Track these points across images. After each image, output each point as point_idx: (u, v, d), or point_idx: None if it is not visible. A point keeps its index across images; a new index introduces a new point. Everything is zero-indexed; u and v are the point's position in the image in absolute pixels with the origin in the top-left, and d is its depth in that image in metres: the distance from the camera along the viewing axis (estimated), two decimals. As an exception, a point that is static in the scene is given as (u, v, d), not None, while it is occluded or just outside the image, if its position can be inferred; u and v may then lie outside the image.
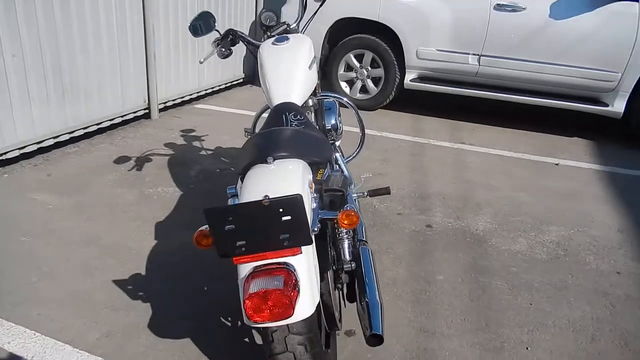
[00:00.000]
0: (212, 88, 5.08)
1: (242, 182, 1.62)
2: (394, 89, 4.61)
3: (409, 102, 4.93)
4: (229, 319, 1.96)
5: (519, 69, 4.14)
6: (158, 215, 2.71)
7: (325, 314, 1.53)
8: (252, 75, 5.69)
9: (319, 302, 1.37)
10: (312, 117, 2.19)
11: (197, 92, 4.86)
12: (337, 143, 2.38)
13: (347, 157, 2.40)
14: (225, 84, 5.29)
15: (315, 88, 2.21)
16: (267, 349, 1.33)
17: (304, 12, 2.39)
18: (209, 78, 4.96)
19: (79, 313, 1.95)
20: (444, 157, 3.73)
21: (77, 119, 3.57)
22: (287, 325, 1.28)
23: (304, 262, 1.25)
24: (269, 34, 2.28)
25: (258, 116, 2.53)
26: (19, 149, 3.21)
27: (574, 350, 1.88)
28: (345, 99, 2.41)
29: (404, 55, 4.44)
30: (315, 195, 1.47)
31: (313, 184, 1.51)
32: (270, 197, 1.30)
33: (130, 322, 1.92)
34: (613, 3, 3.78)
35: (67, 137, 3.54)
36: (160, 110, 4.36)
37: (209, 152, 3.60)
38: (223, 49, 2.17)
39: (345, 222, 1.38)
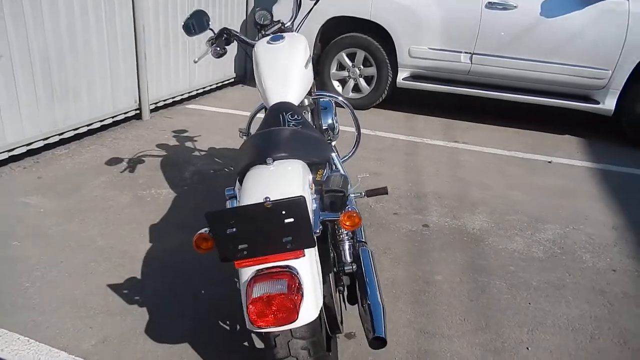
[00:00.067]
0: (204, 88, 5.03)
1: (240, 183, 1.60)
2: (387, 88, 4.61)
3: (402, 100, 4.93)
4: (228, 322, 1.94)
5: (511, 67, 4.15)
6: (152, 218, 2.67)
7: (327, 317, 1.51)
8: (243, 75, 5.65)
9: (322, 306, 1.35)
10: (308, 116, 2.17)
11: (189, 92, 4.81)
12: (333, 143, 2.37)
13: (343, 157, 2.38)
14: (217, 83, 5.25)
15: (311, 87, 2.19)
16: (269, 354, 1.31)
17: (299, 10, 2.37)
18: (200, 78, 4.91)
19: (73, 318, 1.91)
20: (438, 156, 3.73)
21: (66, 120, 3.51)
22: (290, 329, 1.26)
23: (307, 265, 1.23)
24: (263, 32, 2.25)
25: (253, 116, 2.50)
26: (8, 151, 3.15)
27: (574, 349, 1.88)
28: (340, 98, 2.40)
29: (397, 53, 4.43)
30: (315, 196, 1.46)
31: (313, 184, 1.49)
32: (272, 199, 1.28)
33: (127, 327, 1.89)
34: (603, 1, 3.81)
35: (56, 138, 3.48)
36: (152, 110, 4.31)
37: (202, 153, 3.56)
38: (218, 48, 2.15)
39: (348, 223, 1.37)
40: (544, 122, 4.59)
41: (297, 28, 2.35)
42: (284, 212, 1.15)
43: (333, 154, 2.11)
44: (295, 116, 1.68)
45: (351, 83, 4.72)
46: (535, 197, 3.12)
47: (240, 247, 1.17)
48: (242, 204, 1.30)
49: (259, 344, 1.81)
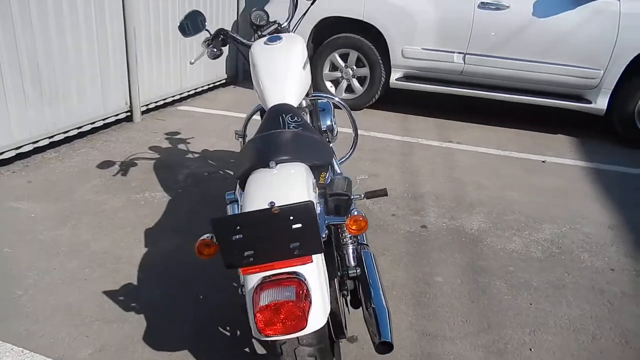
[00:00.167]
0: (195, 89, 4.98)
1: (241, 187, 1.56)
2: (380, 88, 4.59)
3: (395, 101, 4.92)
4: (228, 328, 1.90)
5: (504, 67, 4.16)
6: (147, 222, 2.63)
7: (332, 322, 1.49)
8: (234, 76, 5.61)
9: (328, 311, 1.32)
10: (307, 118, 2.14)
11: (180, 94, 4.75)
12: (331, 145, 2.34)
13: (340, 159, 2.36)
14: (208, 85, 5.20)
15: (308, 89, 2.16)
16: (274, 362, 1.28)
17: (295, 10, 2.34)
18: (191, 79, 4.86)
19: (69, 327, 1.87)
20: (433, 157, 3.72)
21: (56, 123, 3.45)
22: (297, 336, 1.23)
23: (315, 271, 1.21)
24: (259, 33, 2.22)
25: (249, 118, 2.47)
26: (-3, 155, 3.08)
27: (576, 349, 1.88)
28: (336, 99, 2.37)
29: (390, 54, 4.42)
30: (320, 200, 1.43)
31: (316, 188, 1.47)
32: (276, 203, 1.25)
33: (125, 335, 1.84)
34: (595, 1, 3.83)
35: (46, 141, 3.42)
36: (143, 112, 4.25)
37: (196, 155, 3.52)
38: (215, 49, 2.11)
39: (354, 227, 1.34)
40: (536, 121, 4.61)
41: (293, 28, 2.32)
42: (291, 218, 1.12)
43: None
44: (295, 118, 1.66)
45: (344, 84, 4.70)
46: (531, 196, 3.13)
47: (246, 253, 1.14)
48: (246, 209, 1.27)
49: (260, 350, 1.78)
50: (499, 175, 3.44)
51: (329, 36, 4.57)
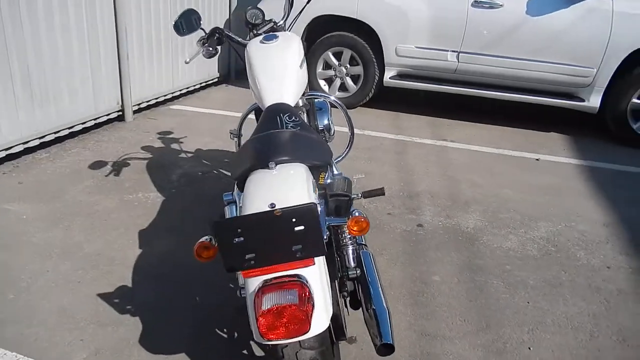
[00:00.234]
0: (187, 88, 4.93)
1: (239, 188, 1.54)
2: (374, 87, 4.58)
3: (389, 99, 4.91)
4: (225, 330, 1.88)
5: (497, 65, 4.16)
6: (140, 223, 2.59)
7: (333, 324, 1.47)
8: (227, 75, 5.57)
9: (330, 313, 1.31)
10: (304, 118, 2.12)
11: (172, 93, 4.70)
12: (328, 144, 2.33)
13: (336, 158, 2.35)
14: (200, 83, 5.15)
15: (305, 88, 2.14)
16: (275, 365, 1.26)
17: (291, 9, 2.32)
18: (183, 78, 4.81)
19: (63, 330, 1.83)
20: (428, 155, 3.72)
21: (47, 123, 3.39)
22: (299, 340, 1.21)
23: (317, 274, 1.19)
24: (255, 32, 2.20)
25: (244, 117, 2.44)
26: (-14, 155, 3.03)
27: (575, 348, 1.88)
28: (332, 98, 2.36)
29: (383, 52, 4.41)
30: (320, 200, 1.41)
31: (317, 189, 1.45)
32: (277, 204, 1.23)
33: (120, 338, 1.81)
34: (587, 0, 3.84)
35: (37, 142, 3.36)
36: (135, 112, 4.20)
37: (189, 155, 3.48)
38: (210, 48, 2.08)
39: (355, 228, 1.33)
40: (529, 119, 4.62)
41: (289, 27, 2.30)
42: (294, 220, 1.10)
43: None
44: (293, 118, 1.64)
45: (337, 82, 4.68)
46: (526, 194, 3.13)
47: (247, 256, 1.13)
48: (246, 211, 1.25)
49: (259, 353, 1.76)
50: (493, 173, 3.45)
51: (322, 34, 4.55)
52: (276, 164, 1.38)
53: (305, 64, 2.04)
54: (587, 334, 1.95)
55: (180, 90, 4.82)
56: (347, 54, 4.54)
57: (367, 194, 2.11)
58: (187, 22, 2.17)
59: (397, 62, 4.43)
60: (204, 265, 2.14)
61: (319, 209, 1.37)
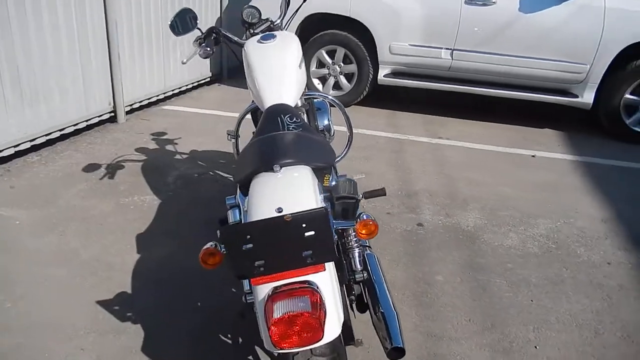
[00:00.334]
0: (179, 88, 4.87)
1: (242, 191, 1.51)
2: (368, 85, 4.56)
3: (383, 97, 4.90)
4: (229, 335, 1.85)
5: (491, 63, 4.16)
6: (137, 227, 2.55)
7: (343, 329, 1.45)
8: (219, 74, 5.52)
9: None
10: (304, 118, 2.09)
11: (164, 93, 4.64)
12: (328, 144, 2.30)
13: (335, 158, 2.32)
14: (192, 83, 5.10)
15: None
16: (286, 373, 1.24)
17: (287, 7, 2.29)
18: (175, 78, 4.75)
19: (62, 340, 1.79)
20: (424, 153, 3.71)
21: (38, 125, 3.32)
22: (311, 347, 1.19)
23: (328, 279, 1.17)
24: (251, 31, 2.17)
25: (241, 118, 2.40)
26: (-24, 160, 2.96)
27: (580, 345, 1.88)
28: (330, 97, 2.33)
29: (377, 50, 4.39)
30: (326, 203, 1.39)
31: (322, 191, 1.43)
32: (284, 209, 1.21)
33: (122, 347, 1.78)
34: (580, -4, 3.86)
35: (28, 145, 3.29)
36: (127, 112, 4.13)
37: (184, 156, 3.44)
38: (208, 48, 2.04)
39: (364, 232, 1.30)
40: (523, 116, 4.63)
41: (285, 26, 2.27)
42: (304, 225, 1.08)
43: None
44: (295, 119, 1.61)
45: (331, 81, 4.65)
46: (524, 191, 3.14)
47: (257, 263, 1.10)
48: (253, 216, 1.23)
49: (264, 357, 1.73)
50: (489, 170, 3.45)
51: (315, 33, 4.52)
52: (281, 167, 1.36)
53: (304, 64, 2.01)
54: (591, 331, 1.95)
55: (173, 90, 4.77)
56: (340, 52, 4.52)
57: (369, 195, 2.09)
58: (182, 22, 2.13)
59: (391, 60, 4.41)
60: (203, 269, 2.10)
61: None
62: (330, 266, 1.20)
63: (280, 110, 1.66)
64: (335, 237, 1.33)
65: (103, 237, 2.44)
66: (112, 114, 3.99)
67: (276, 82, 1.80)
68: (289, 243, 1.10)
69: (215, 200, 2.83)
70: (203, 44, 2.07)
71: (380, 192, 2.04)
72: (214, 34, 2.10)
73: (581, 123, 4.48)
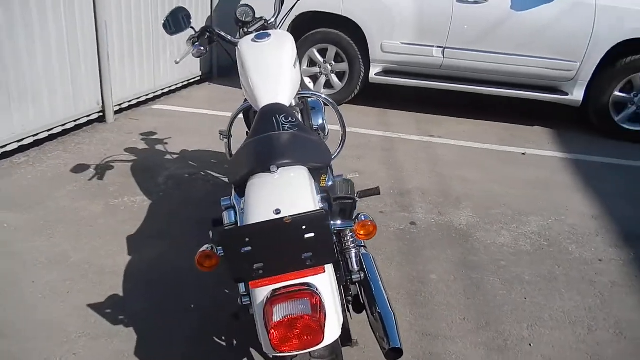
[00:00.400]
0: (169, 87, 4.82)
1: (237, 192, 1.50)
2: (359, 84, 4.56)
3: (375, 96, 4.89)
4: (223, 337, 1.83)
5: (483, 61, 4.18)
6: (128, 228, 2.52)
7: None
8: (209, 73, 5.47)
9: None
10: (299, 118, 2.08)
11: (153, 92, 4.59)
12: (322, 144, 2.29)
13: None
14: (182, 82, 5.05)
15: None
16: (284, 376, 1.22)
17: (282, 6, 2.28)
18: (165, 77, 4.70)
19: (53, 345, 1.76)
20: (416, 151, 3.71)
21: (25, 126, 3.27)
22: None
23: (327, 281, 1.16)
24: (245, 30, 2.15)
25: (234, 117, 2.38)
26: (-38, 161, 2.90)
27: (574, 342, 1.89)
28: (323, 96, 2.32)
29: (369, 49, 4.38)
30: (324, 204, 1.38)
31: (319, 192, 1.41)
32: (282, 211, 1.20)
33: (115, 351, 1.75)
34: (570, -6, 3.89)
35: (15, 145, 3.24)
36: (116, 112, 4.08)
37: (175, 156, 3.40)
38: (202, 47, 2.02)
39: (362, 232, 1.29)
40: (512, 114, 4.66)
41: (279, 25, 2.25)
42: (304, 227, 1.07)
43: None
44: (290, 118, 1.60)
45: (323, 79, 4.64)
46: (515, 189, 3.15)
47: (255, 266, 1.09)
48: (251, 217, 1.21)
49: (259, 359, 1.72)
50: (481, 168, 3.46)
51: (307, 31, 4.50)
52: (278, 168, 1.34)
53: (298, 63, 2.00)
54: (585, 328, 1.96)
55: (162, 90, 4.72)
56: (332, 50, 4.50)
57: (363, 194, 2.08)
58: (175, 21, 2.10)
59: (382, 59, 4.41)
60: (196, 270, 2.08)
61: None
62: (329, 268, 1.19)
63: (275, 109, 1.64)
64: (335, 238, 1.32)
65: (93, 239, 2.41)
66: (101, 114, 3.94)
67: (271, 81, 1.79)
68: (288, 245, 1.09)
69: (206, 201, 2.81)
70: (197, 43, 2.05)
71: (375, 192, 2.03)
72: (207, 33, 2.08)
73: (571, 120, 4.51)
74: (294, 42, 1.99)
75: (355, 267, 1.50)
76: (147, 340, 1.81)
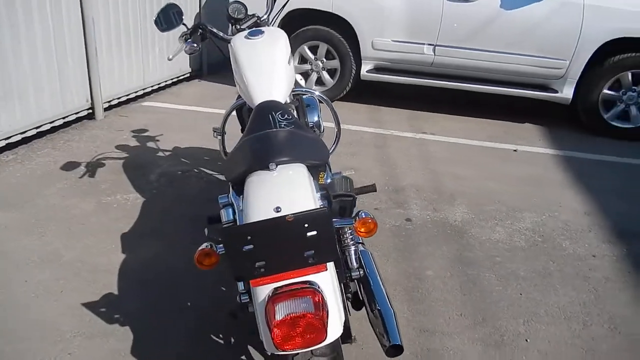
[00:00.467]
0: (159, 84, 4.77)
1: (235, 190, 1.48)
2: (350, 81, 4.55)
3: (366, 93, 4.89)
4: (221, 335, 1.82)
5: (473, 58, 4.19)
6: (121, 226, 2.49)
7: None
8: (199, 70, 5.43)
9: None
10: (295, 115, 2.06)
11: (143, 89, 4.54)
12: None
13: None
14: (172, 79, 5.00)
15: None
16: (285, 374, 1.21)
17: (274, 3, 2.26)
18: (154, 73, 4.65)
19: (47, 345, 1.73)
20: (409, 148, 3.72)
21: (12, 123, 3.21)
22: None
23: (329, 279, 1.15)
24: (237, 27, 2.13)
25: (228, 114, 2.36)
26: (-52, 159, 2.84)
27: (570, 337, 1.90)
28: (317, 93, 2.31)
29: (360, 46, 4.38)
30: (323, 201, 1.37)
31: (318, 189, 1.41)
32: (282, 208, 1.19)
33: (110, 350, 1.73)
34: (559, -7, 3.91)
35: (2, 143, 3.18)
36: (105, 109, 4.03)
37: (167, 153, 3.37)
38: (194, 44, 1.99)
39: (362, 230, 1.29)
40: (503, 111, 4.68)
41: (272, 22, 2.23)
42: (306, 225, 1.06)
43: None
44: (286, 116, 1.59)
45: (314, 76, 4.62)
46: (508, 185, 3.17)
47: (257, 264, 1.07)
48: (250, 215, 1.20)
49: (257, 358, 1.71)
50: (474, 165, 3.47)
51: (297, 28, 4.47)
52: (276, 165, 1.33)
53: (292, 60, 1.98)
54: (580, 324, 1.98)
55: (152, 86, 4.67)
56: (323, 48, 4.49)
57: (359, 191, 2.07)
58: (167, 18, 2.08)
59: (373, 56, 4.41)
60: (191, 268, 2.06)
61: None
62: (330, 265, 1.19)
63: (270, 107, 1.63)
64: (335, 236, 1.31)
65: (85, 237, 2.37)
66: (90, 111, 3.89)
67: (266, 78, 1.77)
68: (290, 243, 1.08)
69: (200, 198, 2.78)
70: (189, 40, 2.02)
71: (371, 188, 2.03)
72: (200, 30, 2.06)
73: (561, 118, 4.55)
74: (288, 39, 1.97)
75: (355, 264, 1.49)
76: (143, 338, 1.79)
